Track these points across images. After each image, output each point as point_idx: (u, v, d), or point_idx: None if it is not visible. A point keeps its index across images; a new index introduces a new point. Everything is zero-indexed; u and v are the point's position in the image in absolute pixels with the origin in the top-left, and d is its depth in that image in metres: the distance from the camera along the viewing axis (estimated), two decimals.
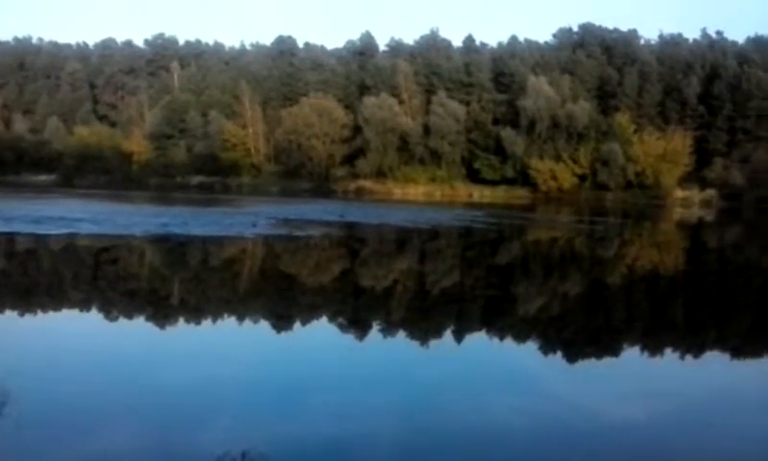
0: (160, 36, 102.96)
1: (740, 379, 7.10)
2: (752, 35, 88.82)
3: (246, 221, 24.03)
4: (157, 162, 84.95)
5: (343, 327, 8.89)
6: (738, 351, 8.27)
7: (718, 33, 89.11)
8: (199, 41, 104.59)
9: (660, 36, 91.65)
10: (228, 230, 20.75)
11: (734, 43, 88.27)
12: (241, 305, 10.12)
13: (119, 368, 6.68)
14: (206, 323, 8.99)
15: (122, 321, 8.96)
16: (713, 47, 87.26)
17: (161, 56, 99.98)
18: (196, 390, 5.99)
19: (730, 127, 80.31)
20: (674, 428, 5.46)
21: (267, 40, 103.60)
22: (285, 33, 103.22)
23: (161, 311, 9.62)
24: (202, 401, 5.66)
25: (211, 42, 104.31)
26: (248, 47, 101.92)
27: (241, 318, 9.18)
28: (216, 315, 9.43)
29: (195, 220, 23.95)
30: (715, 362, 7.71)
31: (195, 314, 9.45)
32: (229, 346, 7.82)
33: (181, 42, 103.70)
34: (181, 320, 9.04)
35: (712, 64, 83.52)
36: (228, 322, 9.02)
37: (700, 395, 6.51)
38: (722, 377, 7.11)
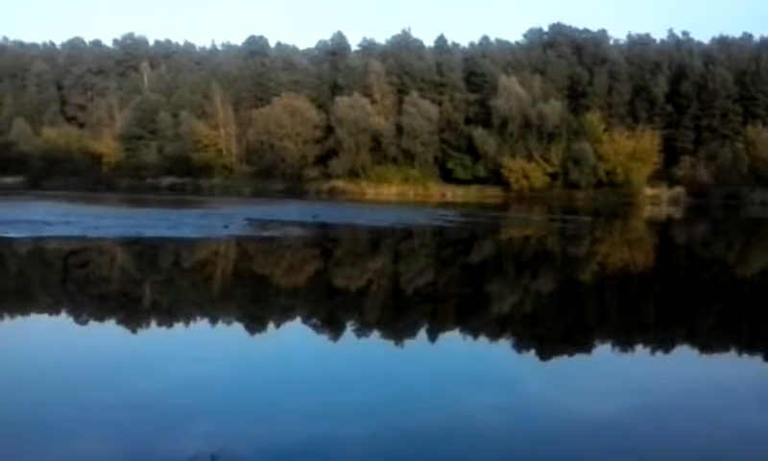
0: (130, 36, 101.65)
1: (710, 373, 7.21)
2: (716, 35, 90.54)
3: (218, 222, 23.85)
4: (128, 164, 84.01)
5: (317, 328, 8.86)
6: (707, 346, 8.41)
7: (684, 33, 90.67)
8: (169, 41, 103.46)
9: (629, 37, 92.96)
10: (200, 231, 20.56)
11: (700, 44, 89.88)
12: (214, 307, 10.03)
13: (89, 371, 6.58)
14: (179, 325, 8.89)
15: (92, 324, 8.83)
16: (680, 47, 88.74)
17: (131, 56, 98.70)
18: (168, 393, 5.93)
19: (696, 125, 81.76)
20: (647, 423, 5.53)
21: (238, 40, 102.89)
22: (256, 33, 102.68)
23: (133, 314, 9.50)
24: (174, 404, 5.60)
25: (182, 42, 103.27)
26: (219, 47, 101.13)
27: (214, 320, 9.10)
28: (188, 317, 9.35)
29: (166, 222, 23.71)
30: (686, 357, 7.82)
31: (167, 317, 9.34)
32: (202, 348, 7.74)
33: (151, 42, 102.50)
34: (153, 323, 8.93)
35: (679, 64, 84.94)
36: (201, 324, 8.94)
37: (672, 389, 6.60)
38: (692, 372, 7.22)
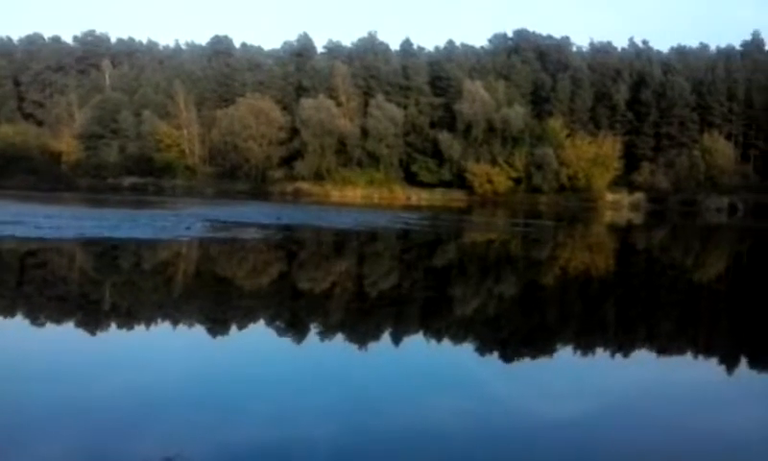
0: (90, 33, 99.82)
1: (668, 375, 7.33)
2: (675, 45, 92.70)
3: (180, 223, 23.55)
4: (88, 163, 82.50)
5: (280, 331, 8.78)
6: (666, 349, 8.55)
7: (644, 42, 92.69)
8: (132, 40, 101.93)
9: (591, 44, 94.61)
10: (161, 232, 20.26)
11: (659, 53, 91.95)
12: (175, 310, 9.88)
13: (44, 375, 6.42)
14: (139, 328, 8.73)
15: (49, 327, 8.62)
16: (640, 56, 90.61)
17: (92, 53, 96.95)
18: (125, 396, 5.81)
19: (656, 133, 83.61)
20: (608, 424, 5.60)
21: (202, 40, 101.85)
22: (221, 32, 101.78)
23: (91, 317, 9.30)
24: (130, 408, 5.49)
25: (145, 41, 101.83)
26: (182, 46, 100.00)
27: (175, 322, 8.96)
28: (149, 320, 9.19)
29: (127, 222, 23.32)
30: (645, 359, 7.95)
31: (127, 319, 9.17)
32: (161, 350, 7.62)
33: (113, 40, 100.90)
34: (112, 325, 8.76)
35: (639, 72, 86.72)
36: (161, 326, 8.79)
37: (631, 391, 6.70)
38: (651, 373, 7.34)
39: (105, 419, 5.21)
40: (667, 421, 5.76)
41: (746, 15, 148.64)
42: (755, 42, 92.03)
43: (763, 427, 5.71)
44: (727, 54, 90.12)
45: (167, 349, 7.75)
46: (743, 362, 7.93)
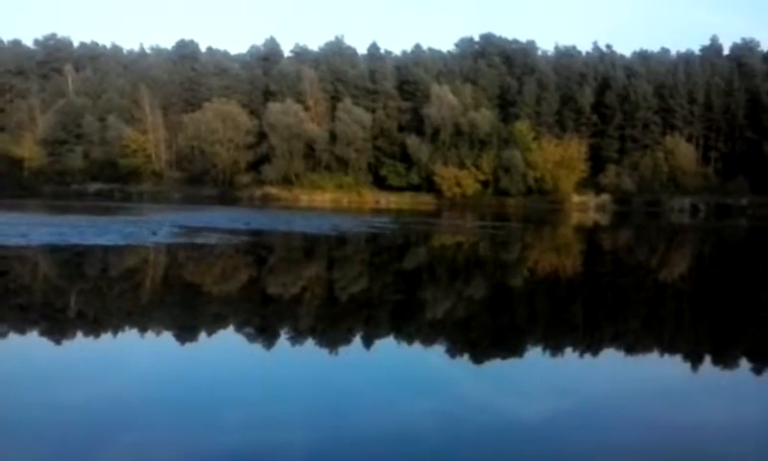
0: (52, 36, 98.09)
1: (635, 373, 7.45)
2: (637, 49, 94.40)
3: (147, 229, 23.25)
4: (51, 169, 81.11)
5: (250, 337, 8.72)
6: (633, 347, 8.69)
7: (608, 46, 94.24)
8: (95, 44, 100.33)
9: (556, 48, 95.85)
10: (128, 238, 19.98)
11: (622, 57, 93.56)
12: (143, 317, 9.75)
13: (7, 385, 6.28)
14: (106, 336, 8.59)
15: (12, 336, 8.43)
16: (604, 60, 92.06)
17: (54, 58, 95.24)
18: (93, 406, 5.71)
19: (620, 135, 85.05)
20: (578, 421, 5.67)
21: (168, 44, 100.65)
22: (187, 37, 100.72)
23: (57, 325, 9.12)
24: (99, 417, 5.40)
25: (108, 45, 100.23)
26: (147, 51, 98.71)
27: (143, 330, 8.84)
28: (116, 327, 9.04)
29: (93, 228, 22.95)
30: (612, 357, 8.06)
31: (94, 327, 9.01)
32: (131, 359, 7.51)
33: (76, 44, 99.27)
34: (79, 334, 8.60)
35: (604, 76, 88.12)
36: (130, 334, 8.66)
37: (600, 389, 6.79)
38: (619, 371, 7.45)
39: (71, 429, 5.12)
40: (636, 417, 5.85)
41: (705, 21, 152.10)
42: (713, 47, 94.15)
43: (729, 421, 5.83)
44: (687, 58, 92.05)
45: (135, 356, 7.64)
46: (707, 359, 8.09)
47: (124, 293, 11.98)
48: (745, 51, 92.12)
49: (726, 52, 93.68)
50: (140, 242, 19.29)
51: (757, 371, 7.63)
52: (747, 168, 79.98)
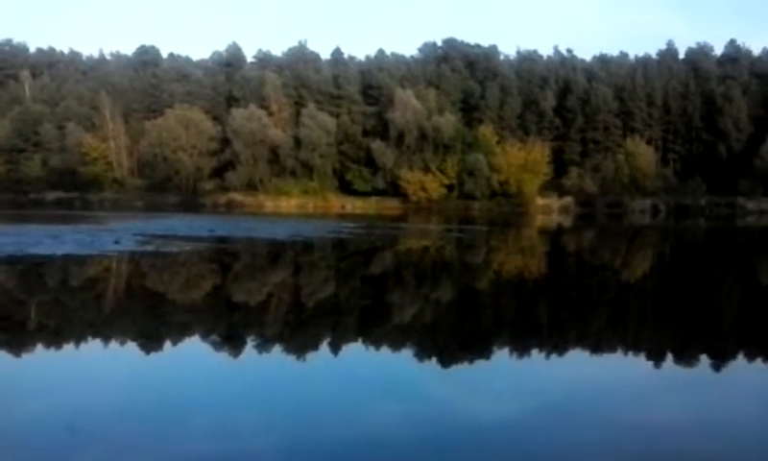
0: (7, 42, 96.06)
1: (601, 372, 7.55)
2: (597, 53, 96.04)
3: (108, 238, 22.86)
4: (8, 177, 79.33)
5: (216, 345, 8.61)
6: (598, 346, 8.80)
7: (569, 51, 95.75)
8: (53, 49, 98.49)
9: (518, 53, 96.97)
10: (89, 247, 19.61)
11: (583, 61, 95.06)
12: (106, 328, 9.56)
13: None
14: (68, 348, 8.40)
15: None
16: (565, 64, 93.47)
17: (9, 64, 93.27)
18: (58, 420, 5.57)
19: (582, 138, 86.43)
20: (546, 421, 5.71)
21: (128, 50, 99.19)
22: (147, 42, 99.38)
23: (15, 339, 8.89)
24: (62, 430, 5.27)
25: (66, 51, 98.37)
26: (107, 57, 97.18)
27: (106, 341, 8.67)
28: (79, 339, 8.85)
29: (52, 238, 22.46)
30: (578, 357, 8.16)
31: (55, 340, 8.81)
32: (94, 371, 7.35)
33: (32, 50, 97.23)
34: (40, 347, 8.39)
35: (565, 80, 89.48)
36: (93, 345, 8.49)
37: (566, 389, 6.85)
38: (584, 371, 7.54)
39: (34, 443, 4.99)
40: (603, 416, 5.93)
41: (661, 26, 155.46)
42: (669, 52, 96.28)
43: (691, 418, 5.93)
44: (645, 62, 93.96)
45: (98, 368, 7.49)
46: (669, 356, 8.23)
47: (86, 303, 11.74)
48: (700, 55, 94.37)
49: (681, 56, 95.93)
50: (102, 251, 18.95)
51: (716, 367, 7.79)
52: (704, 169, 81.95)
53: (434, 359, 8.07)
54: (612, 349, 8.75)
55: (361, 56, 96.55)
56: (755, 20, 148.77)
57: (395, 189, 77.39)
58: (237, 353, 8.08)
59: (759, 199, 74.04)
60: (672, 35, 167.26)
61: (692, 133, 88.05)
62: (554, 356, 8.22)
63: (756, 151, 78.09)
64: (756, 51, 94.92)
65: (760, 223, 50.45)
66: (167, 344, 8.58)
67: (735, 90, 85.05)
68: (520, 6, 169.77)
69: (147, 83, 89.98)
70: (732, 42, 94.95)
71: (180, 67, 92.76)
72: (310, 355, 8.01)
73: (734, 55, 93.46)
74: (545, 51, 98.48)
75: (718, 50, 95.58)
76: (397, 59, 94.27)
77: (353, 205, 74.14)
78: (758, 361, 8.18)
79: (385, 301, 12.59)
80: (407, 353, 8.30)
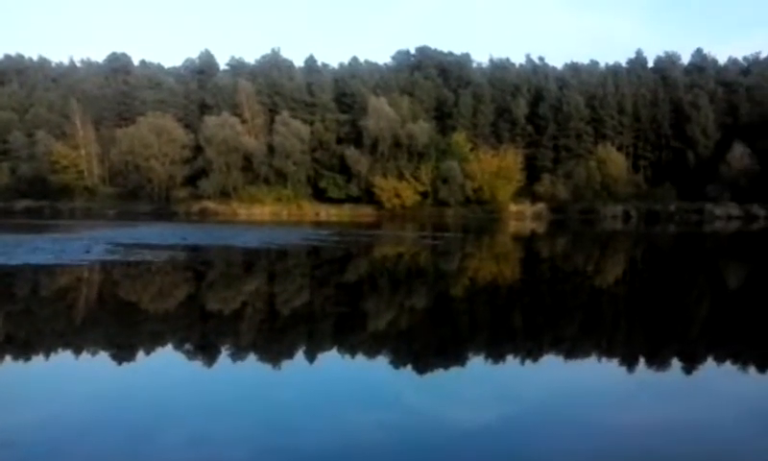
0: None
1: (577, 377, 7.62)
2: (568, 61, 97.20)
3: (79, 247, 22.55)
4: None
5: (190, 354, 8.54)
6: (572, 351, 8.88)
7: (540, 58, 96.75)
8: (21, 56, 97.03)
9: (491, 61, 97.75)
10: (59, 257, 19.32)
11: (554, 69, 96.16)
12: (78, 338, 9.43)
13: None
14: (38, 359, 8.27)
15: None
16: (537, 72, 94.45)
17: None
18: (29, 432, 5.48)
19: (554, 145, 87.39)
20: (520, 428, 5.75)
21: (99, 57, 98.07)
22: (118, 49, 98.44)
23: None
24: (36, 442, 5.18)
25: (35, 57, 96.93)
26: (77, 64, 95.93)
27: (78, 351, 8.54)
28: (49, 350, 8.71)
29: (21, 247, 22.09)
30: (553, 362, 8.22)
31: (24, 351, 8.66)
32: (66, 382, 7.24)
33: (0, 56, 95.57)
34: (8, 358, 8.25)
35: (537, 88, 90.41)
36: (64, 356, 8.36)
37: (542, 394, 6.91)
38: (560, 376, 7.60)
39: (5, 455, 4.90)
40: (578, 420, 5.98)
41: (630, 34, 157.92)
42: (638, 60, 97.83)
43: (664, 421, 6.01)
44: (615, 70, 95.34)
45: (70, 379, 7.37)
46: (642, 360, 8.33)
47: (56, 314, 11.56)
48: (668, 64, 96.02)
49: (650, 64, 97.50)
50: (73, 260, 18.68)
51: (688, 371, 7.90)
52: (673, 176, 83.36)
53: (410, 366, 8.08)
54: (587, 353, 8.84)
55: (334, 63, 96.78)
56: (720, 30, 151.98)
57: (369, 196, 77.44)
58: (211, 363, 8.01)
59: (726, 205, 75.42)
60: (641, 43, 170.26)
61: (662, 141, 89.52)
62: (529, 362, 8.28)
63: (722, 158, 79.55)
64: (722, 60, 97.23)
65: (728, 228, 51.36)
66: (140, 354, 8.48)
67: (703, 98, 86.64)
68: (492, 14, 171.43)
69: (118, 90, 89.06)
70: (699, 51, 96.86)
71: (152, 75, 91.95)
72: (285, 364, 7.98)
73: (701, 64, 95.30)
74: (517, 59, 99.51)
75: (685, 59, 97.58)
76: (371, 66, 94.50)
77: (327, 212, 74.01)
78: (727, 364, 8.32)
79: (360, 308, 12.58)
80: (383, 361, 8.30)
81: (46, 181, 77.33)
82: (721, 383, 7.44)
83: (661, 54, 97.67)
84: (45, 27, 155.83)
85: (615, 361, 8.47)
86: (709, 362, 8.41)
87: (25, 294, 13.75)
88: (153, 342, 9.21)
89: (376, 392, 6.98)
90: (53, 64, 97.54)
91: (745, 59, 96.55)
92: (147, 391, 6.90)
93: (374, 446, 5.25)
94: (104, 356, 8.35)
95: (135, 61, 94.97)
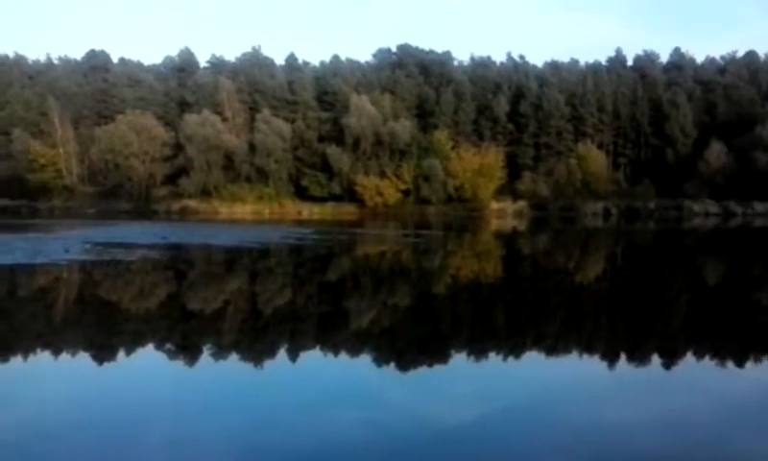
0: None
1: (559, 374, 7.66)
2: (548, 60, 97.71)
3: (58, 246, 22.29)
4: None
5: (171, 354, 8.47)
6: (555, 348, 8.93)
7: (521, 57, 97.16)
8: None
9: (472, 59, 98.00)
10: (37, 256, 19.09)
11: (535, 67, 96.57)
12: (57, 339, 9.32)
13: None
14: (16, 360, 8.16)
15: None
16: (518, 70, 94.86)
17: None
18: (8, 434, 5.40)
19: (535, 143, 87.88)
20: (505, 425, 5.77)
21: (77, 54, 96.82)
22: (97, 47, 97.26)
23: None
24: (15, 444, 5.11)
25: (11, 54, 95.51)
26: (55, 61, 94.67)
27: (57, 352, 8.45)
28: (28, 351, 8.60)
29: None
30: (536, 359, 8.27)
31: (0, 352, 8.54)
32: (44, 384, 7.15)
33: None
34: None
35: (518, 85, 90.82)
36: (43, 357, 8.26)
37: (525, 391, 6.94)
38: (543, 373, 7.64)
39: None
40: (561, 416, 6.01)
41: (609, 33, 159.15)
42: (618, 58, 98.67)
43: (645, 416, 6.06)
44: (595, 68, 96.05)
45: (50, 380, 7.28)
46: (623, 356, 8.40)
47: (34, 315, 11.42)
48: (646, 62, 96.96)
49: (630, 63, 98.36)
50: (51, 260, 18.46)
51: (668, 366, 7.98)
52: (652, 173, 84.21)
53: (392, 364, 8.07)
54: (568, 350, 8.89)
55: (316, 61, 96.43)
56: (697, 30, 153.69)
57: (351, 195, 77.37)
58: (193, 362, 7.96)
59: (705, 201, 76.34)
60: (620, 42, 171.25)
61: (641, 138, 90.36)
62: (511, 359, 8.31)
63: (700, 155, 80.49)
64: (700, 59, 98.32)
65: (706, 225, 51.97)
66: (120, 354, 8.40)
67: (681, 97, 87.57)
68: (473, 13, 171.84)
69: (97, 88, 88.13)
70: (677, 50, 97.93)
71: (132, 72, 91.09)
72: (267, 363, 7.94)
73: (679, 62, 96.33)
74: (498, 57, 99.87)
75: (664, 58, 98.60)
76: (352, 64, 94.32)
77: (310, 210, 73.82)
78: (707, 359, 8.41)
79: (343, 307, 12.56)
80: (366, 359, 8.29)
81: (23, 179, 76.39)
82: (701, 378, 7.52)
83: (641, 52, 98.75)
84: (21, 24, 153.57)
85: (596, 357, 8.53)
86: (689, 357, 8.49)
87: (2, 294, 13.57)
88: (133, 342, 9.13)
89: (359, 390, 6.98)
90: (29, 62, 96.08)
91: (722, 58, 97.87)
92: (127, 392, 6.83)
93: (358, 444, 5.24)
94: (83, 357, 8.26)
95: (114, 59, 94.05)
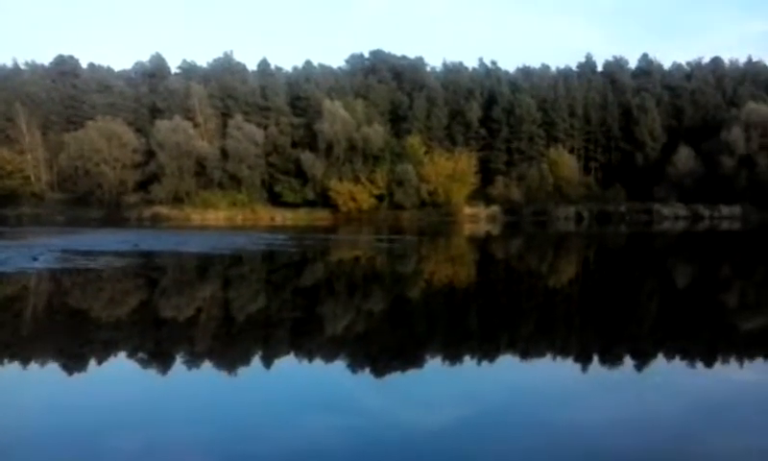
0: None
1: (532, 376, 7.71)
2: (520, 65, 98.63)
3: (26, 254, 21.91)
4: None
5: (143, 362, 8.37)
6: (528, 351, 8.99)
7: (493, 62, 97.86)
8: None
9: (444, 64, 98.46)
10: (5, 264, 18.74)
11: (507, 72, 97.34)
12: (26, 349, 9.15)
13: None
14: None
15: None
16: (490, 75, 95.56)
17: None
18: None
19: (507, 148, 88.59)
20: (480, 428, 5.79)
21: (45, 60, 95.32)
22: (65, 52, 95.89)
23: None
24: None
25: None
26: (22, 66, 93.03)
27: (25, 362, 8.29)
28: None
29: None
30: (510, 362, 8.32)
31: None
32: (12, 394, 7.01)
33: None
34: None
35: (490, 91, 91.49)
36: (11, 367, 8.10)
37: (500, 394, 6.97)
38: (516, 376, 7.69)
39: None
40: (535, 419, 6.05)
41: (579, 39, 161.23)
42: (588, 64, 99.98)
43: (618, 417, 6.13)
44: (565, 74, 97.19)
45: (18, 390, 7.15)
46: (595, 358, 8.50)
47: (2, 324, 11.21)
48: (616, 68, 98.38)
49: (600, 69, 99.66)
50: (19, 269, 18.14)
51: (639, 367, 8.08)
52: (623, 177, 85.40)
53: (367, 369, 8.07)
54: (541, 353, 8.96)
55: (288, 67, 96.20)
56: (664, 36, 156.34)
57: (324, 200, 77.23)
58: (165, 370, 7.87)
59: (674, 205, 77.61)
60: (590, 48, 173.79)
61: (611, 143, 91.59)
62: (485, 362, 8.36)
63: (669, 159, 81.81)
64: (667, 65, 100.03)
65: (675, 228, 52.78)
66: (91, 363, 8.27)
67: (650, 102, 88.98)
68: (446, 19, 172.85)
69: (66, 94, 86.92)
70: (645, 56, 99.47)
71: (102, 78, 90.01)
72: (241, 370, 7.89)
73: (647, 68, 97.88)
74: (471, 63, 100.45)
75: (632, 63, 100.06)
76: (325, 70, 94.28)
77: (283, 216, 73.51)
78: (677, 360, 8.54)
79: (317, 312, 12.51)
80: (340, 365, 8.27)
81: None
82: (672, 378, 7.62)
83: (610, 58, 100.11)
84: None
85: (569, 359, 8.60)
86: (660, 358, 8.61)
87: None
88: (104, 351, 9.00)
89: (334, 396, 6.95)
90: None
91: (688, 64, 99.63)
92: (99, 400, 6.73)
93: (333, 450, 5.22)
94: (53, 367, 8.13)
95: (84, 64, 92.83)
